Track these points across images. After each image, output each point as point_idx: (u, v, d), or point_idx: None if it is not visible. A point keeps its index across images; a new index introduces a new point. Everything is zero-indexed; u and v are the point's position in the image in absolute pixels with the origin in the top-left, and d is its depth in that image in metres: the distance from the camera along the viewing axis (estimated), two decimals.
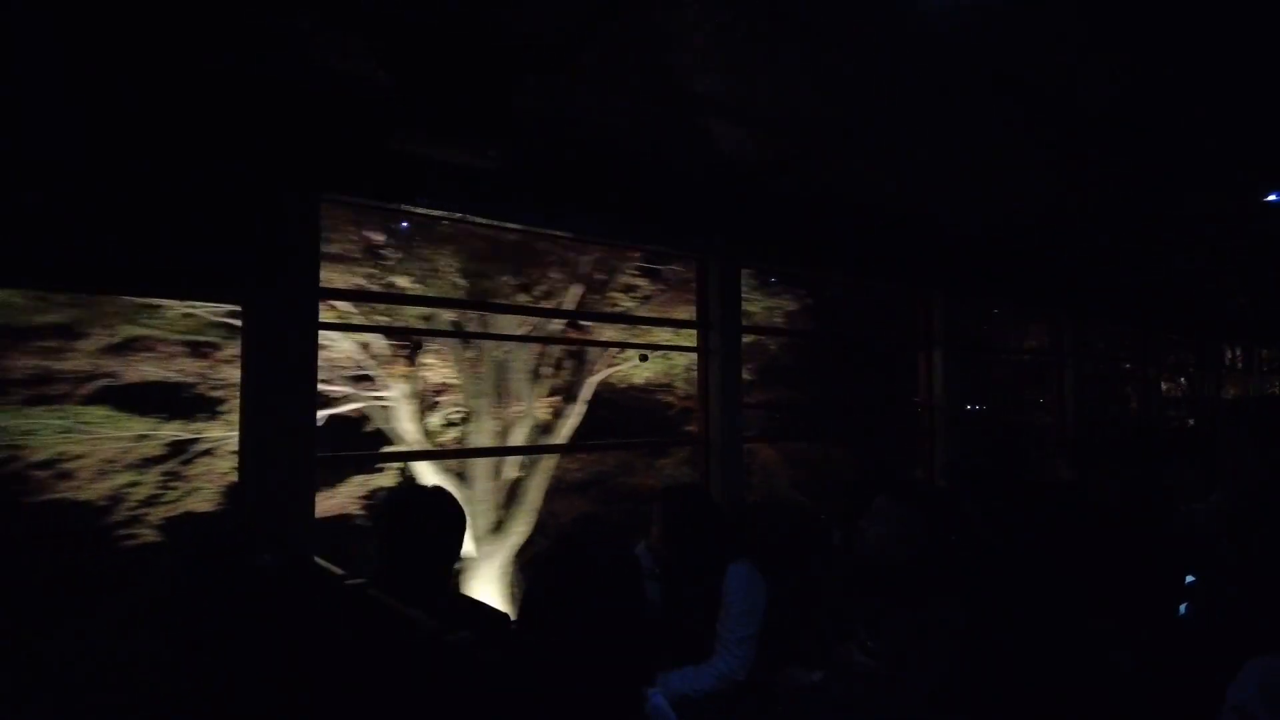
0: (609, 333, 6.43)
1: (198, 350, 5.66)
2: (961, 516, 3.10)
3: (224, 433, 5.86)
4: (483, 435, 7.22)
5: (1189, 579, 2.57)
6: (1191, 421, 8.85)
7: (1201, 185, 3.99)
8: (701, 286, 3.60)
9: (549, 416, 7.55)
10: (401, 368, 6.87)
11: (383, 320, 6.21)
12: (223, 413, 5.88)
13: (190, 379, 5.74)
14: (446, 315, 6.80)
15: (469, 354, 7.20)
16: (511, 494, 7.51)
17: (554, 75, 2.33)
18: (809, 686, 2.32)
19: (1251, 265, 6.05)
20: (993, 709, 2.20)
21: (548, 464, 7.69)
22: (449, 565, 2.25)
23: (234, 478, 5.37)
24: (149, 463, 5.65)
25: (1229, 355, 9.59)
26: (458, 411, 7.26)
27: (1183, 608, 2.55)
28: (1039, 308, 6.39)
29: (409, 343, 6.84)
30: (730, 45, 2.53)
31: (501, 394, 7.30)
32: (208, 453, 5.88)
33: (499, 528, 7.40)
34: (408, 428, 7.03)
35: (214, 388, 5.82)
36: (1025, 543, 2.64)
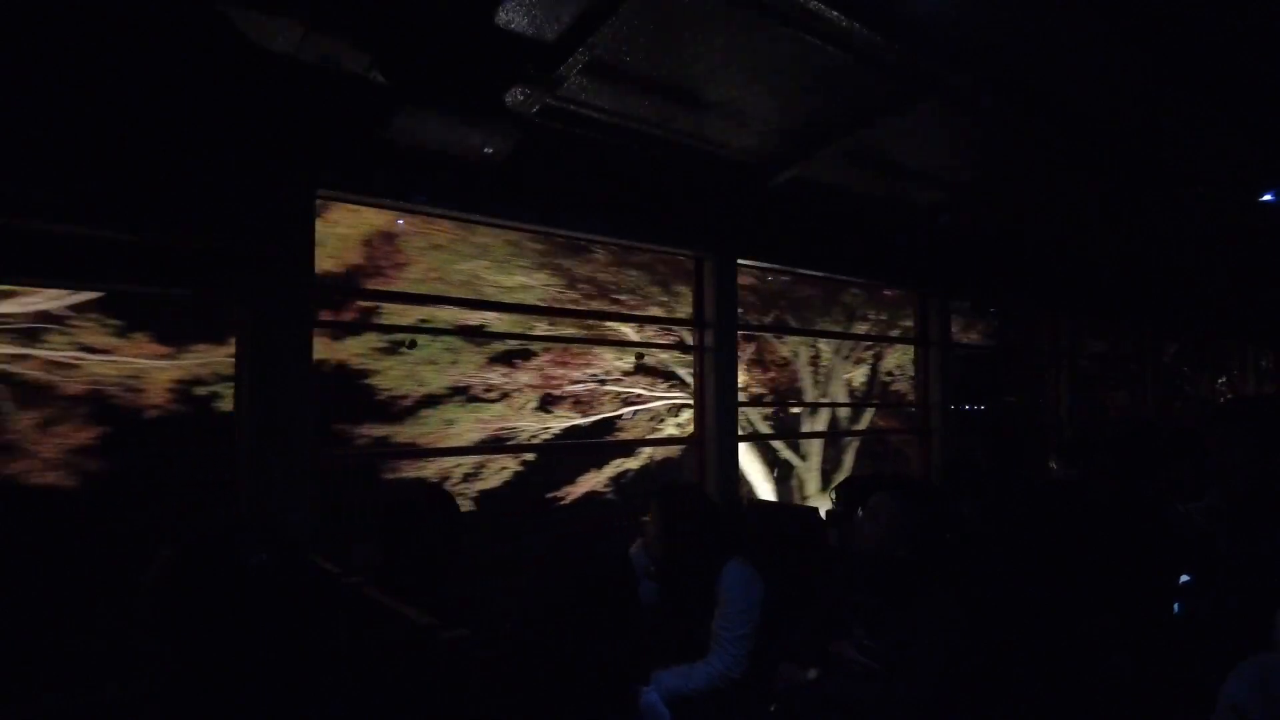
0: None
1: (509, 360, 7.06)
2: (958, 515, 3.11)
3: (524, 424, 7.26)
4: (764, 425, 9.15)
5: (1183, 578, 2.57)
6: (1189, 421, 8.89)
7: (1199, 185, 4.00)
8: (698, 285, 3.59)
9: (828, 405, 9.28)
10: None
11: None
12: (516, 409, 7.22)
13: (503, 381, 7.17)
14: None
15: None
16: (836, 461, 9.50)
17: (552, 72, 2.33)
18: (804, 684, 2.32)
19: (1248, 265, 6.07)
20: (989, 708, 2.20)
21: (853, 440, 9.76)
22: (447, 563, 2.25)
23: (516, 467, 7.14)
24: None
25: (1230, 357, 9.67)
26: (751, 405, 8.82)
27: (1176, 606, 2.56)
28: (1037, 306, 6.41)
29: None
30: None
31: (794, 391, 9.06)
32: (512, 440, 7.23)
33: (825, 487, 9.06)
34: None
35: (489, 386, 7.08)
36: (1022, 542, 2.64)
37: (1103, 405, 9.32)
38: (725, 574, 2.48)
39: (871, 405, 9.49)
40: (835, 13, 2.27)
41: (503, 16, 2.21)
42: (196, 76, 2.14)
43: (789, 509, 4.52)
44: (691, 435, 3.60)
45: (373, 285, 5.78)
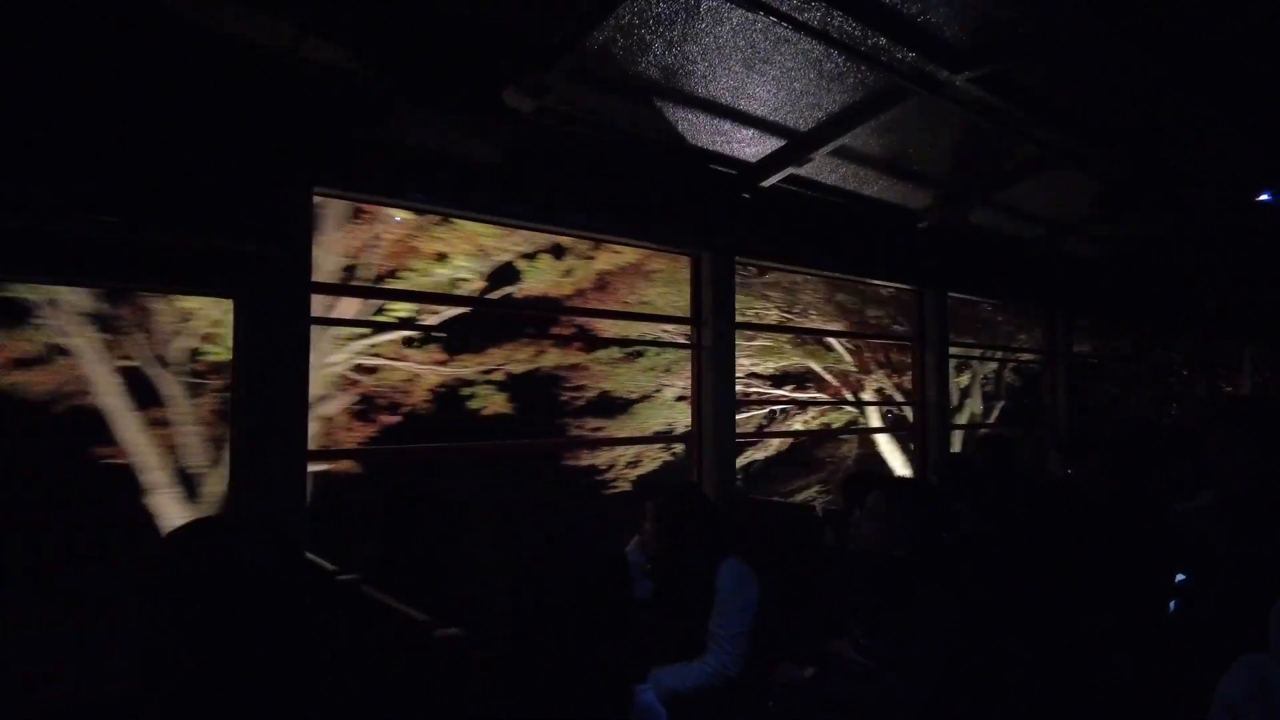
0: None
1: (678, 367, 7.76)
2: (954, 514, 3.11)
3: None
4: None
5: (1179, 577, 2.58)
6: (1187, 421, 8.90)
7: (1199, 185, 4.00)
8: (695, 283, 3.59)
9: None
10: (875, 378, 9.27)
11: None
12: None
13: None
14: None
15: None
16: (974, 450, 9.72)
17: (549, 70, 2.33)
18: (801, 683, 2.32)
19: (1248, 265, 6.07)
20: (989, 708, 2.20)
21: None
22: (447, 563, 2.24)
23: (667, 457, 7.92)
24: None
25: (1229, 357, 9.70)
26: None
27: (1172, 605, 2.56)
28: (1034, 306, 6.41)
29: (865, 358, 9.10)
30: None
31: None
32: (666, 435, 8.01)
33: None
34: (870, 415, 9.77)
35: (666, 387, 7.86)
36: (1021, 542, 2.64)
37: (1102, 405, 9.32)
38: (722, 572, 2.48)
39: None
40: (832, 11, 2.27)
41: (500, 15, 2.21)
42: (195, 76, 2.14)
43: (787, 508, 4.50)
44: (689, 433, 3.60)
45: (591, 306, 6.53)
